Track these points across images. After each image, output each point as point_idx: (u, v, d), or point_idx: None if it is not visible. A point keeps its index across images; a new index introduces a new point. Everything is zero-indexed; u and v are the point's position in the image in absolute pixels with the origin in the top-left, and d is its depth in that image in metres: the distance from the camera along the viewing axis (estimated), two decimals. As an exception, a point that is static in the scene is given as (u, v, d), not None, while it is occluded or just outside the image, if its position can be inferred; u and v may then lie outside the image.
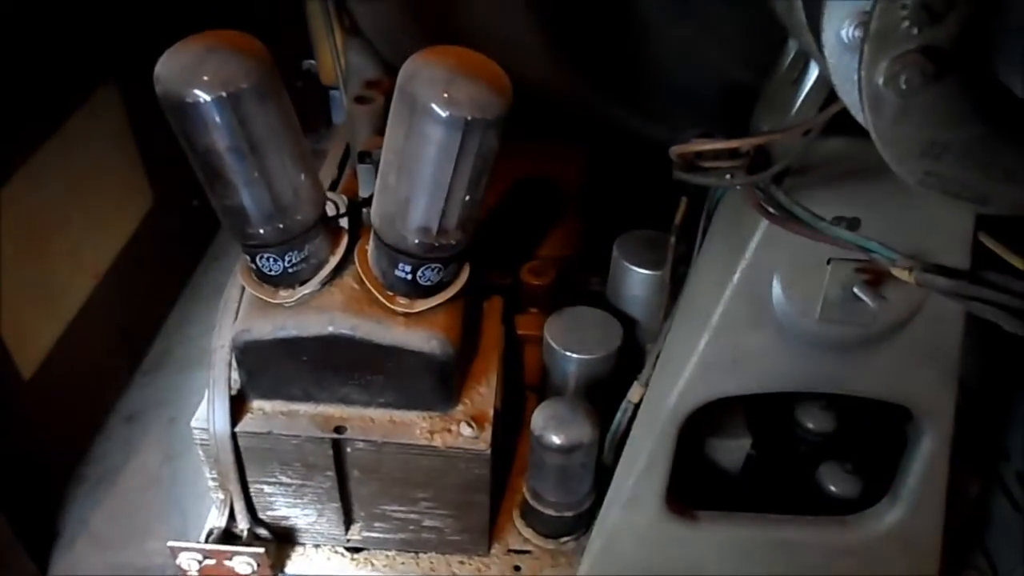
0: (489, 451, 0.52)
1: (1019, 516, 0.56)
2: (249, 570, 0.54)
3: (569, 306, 0.64)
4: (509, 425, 0.65)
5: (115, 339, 0.81)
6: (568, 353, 0.60)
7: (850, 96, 0.30)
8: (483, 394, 0.55)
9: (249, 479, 0.54)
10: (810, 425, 0.63)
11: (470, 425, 0.52)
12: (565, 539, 0.60)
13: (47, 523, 0.70)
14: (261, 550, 0.54)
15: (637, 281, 0.63)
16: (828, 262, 0.43)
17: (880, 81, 0.28)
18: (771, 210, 0.40)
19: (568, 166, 0.89)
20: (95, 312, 0.75)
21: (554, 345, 0.60)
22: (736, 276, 0.44)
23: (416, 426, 0.53)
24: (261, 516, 0.57)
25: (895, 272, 0.35)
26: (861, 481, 0.58)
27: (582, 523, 0.59)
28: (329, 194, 0.53)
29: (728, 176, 0.40)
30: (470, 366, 0.57)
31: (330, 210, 0.52)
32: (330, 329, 0.49)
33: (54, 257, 0.70)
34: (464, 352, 0.54)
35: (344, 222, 0.54)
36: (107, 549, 0.70)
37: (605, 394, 0.59)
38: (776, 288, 0.44)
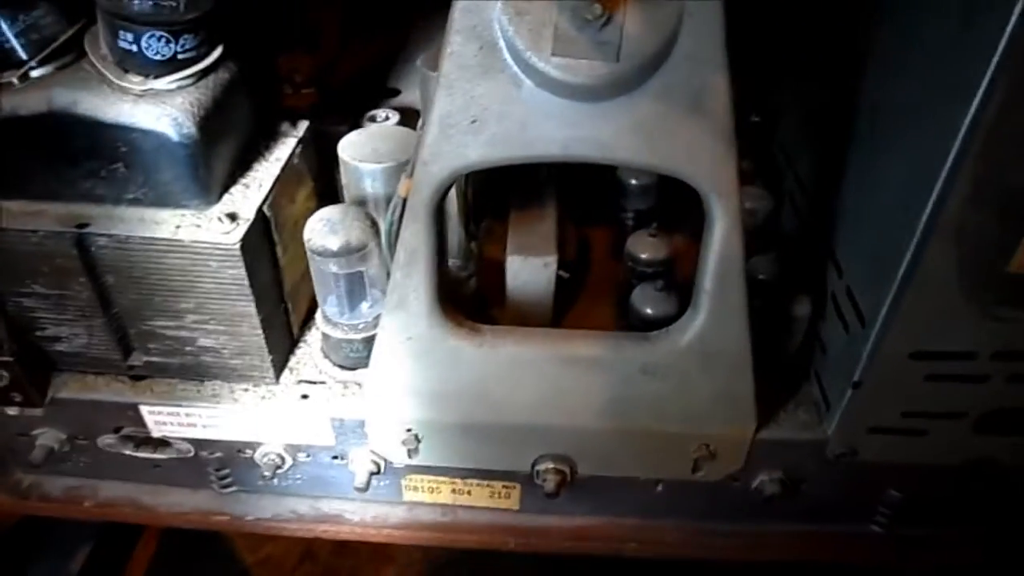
0: (239, 245, 0.47)
1: (849, 338, 0.50)
2: (4, 382, 0.51)
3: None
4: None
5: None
6: (359, 164, 0.55)
7: None
8: (250, 196, 0.51)
9: (5, 292, 0.51)
10: (643, 255, 0.57)
11: (221, 220, 0.48)
12: (360, 370, 0.56)
13: None
14: (10, 358, 0.50)
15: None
16: (556, -17, 0.38)
17: None
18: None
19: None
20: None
21: (346, 158, 0.55)
22: (457, 9, 0.39)
23: (166, 223, 0.49)
24: (31, 338, 0.54)
25: None
26: (674, 300, 0.53)
27: (376, 351, 0.55)
28: None
29: None
30: (244, 173, 0.53)
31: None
32: (49, 106, 0.45)
33: None
34: (223, 147, 0.50)
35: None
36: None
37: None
38: (502, 20, 0.39)
